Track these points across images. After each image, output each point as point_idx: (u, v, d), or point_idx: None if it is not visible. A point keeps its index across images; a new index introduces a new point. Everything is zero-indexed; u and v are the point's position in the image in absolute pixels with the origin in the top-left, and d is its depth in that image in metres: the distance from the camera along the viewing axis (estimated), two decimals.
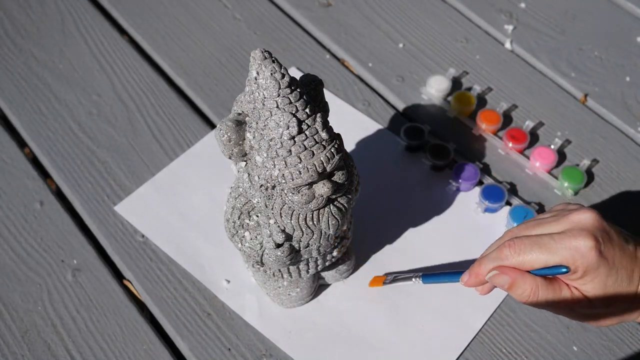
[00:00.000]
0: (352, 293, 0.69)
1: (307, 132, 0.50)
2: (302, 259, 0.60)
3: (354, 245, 0.69)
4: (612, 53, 0.91)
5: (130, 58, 0.89)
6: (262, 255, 0.58)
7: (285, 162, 0.50)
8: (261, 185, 0.53)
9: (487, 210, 0.75)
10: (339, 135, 0.53)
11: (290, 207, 0.53)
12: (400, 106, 0.85)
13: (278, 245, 0.56)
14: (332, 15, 0.95)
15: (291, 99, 0.49)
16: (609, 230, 0.51)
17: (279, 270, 0.62)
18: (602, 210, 0.75)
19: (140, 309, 0.69)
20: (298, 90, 0.49)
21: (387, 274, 0.69)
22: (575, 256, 0.49)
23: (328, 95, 0.80)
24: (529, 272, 0.51)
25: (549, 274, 0.51)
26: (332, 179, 0.53)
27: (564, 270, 0.50)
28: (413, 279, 0.63)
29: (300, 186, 0.51)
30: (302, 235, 0.55)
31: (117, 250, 0.72)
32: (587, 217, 0.51)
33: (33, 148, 0.81)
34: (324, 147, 0.51)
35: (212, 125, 0.83)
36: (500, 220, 0.74)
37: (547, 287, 0.51)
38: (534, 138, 0.82)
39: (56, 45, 0.91)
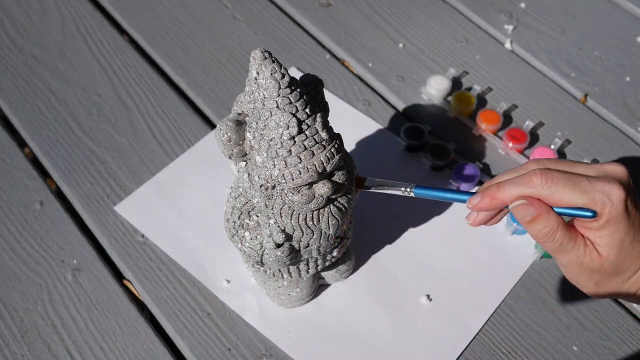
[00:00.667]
0: (352, 293, 0.69)
1: (307, 132, 0.50)
2: (302, 259, 0.60)
3: (354, 245, 0.69)
4: (612, 53, 0.91)
5: (130, 58, 0.89)
6: (262, 255, 0.58)
7: (285, 162, 0.50)
8: (261, 185, 0.53)
9: None
10: (339, 135, 0.53)
11: (290, 207, 0.53)
12: (400, 106, 0.85)
13: (278, 245, 0.56)
14: (332, 15, 0.95)
15: (291, 99, 0.49)
16: (634, 190, 0.49)
17: (279, 270, 0.62)
18: None
19: (140, 309, 0.69)
20: (298, 90, 0.49)
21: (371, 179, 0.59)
22: (605, 202, 0.47)
23: (328, 95, 0.80)
24: (553, 209, 0.48)
25: (573, 215, 0.48)
26: (332, 179, 0.53)
27: (590, 214, 0.47)
28: (403, 189, 0.56)
29: (300, 186, 0.51)
30: (302, 235, 0.55)
31: (117, 250, 0.72)
32: (621, 171, 0.49)
33: (33, 148, 0.81)
34: (324, 147, 0.51)
35: (212, 125, 0.83)
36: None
37: (565, 230, 0.48)
38: (534, 138, 0.82)
39: (56, 45, 0.91)
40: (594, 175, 0.49)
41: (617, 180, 0.48)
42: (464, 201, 0.52)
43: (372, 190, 0.58)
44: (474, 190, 0.76)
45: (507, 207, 0.50)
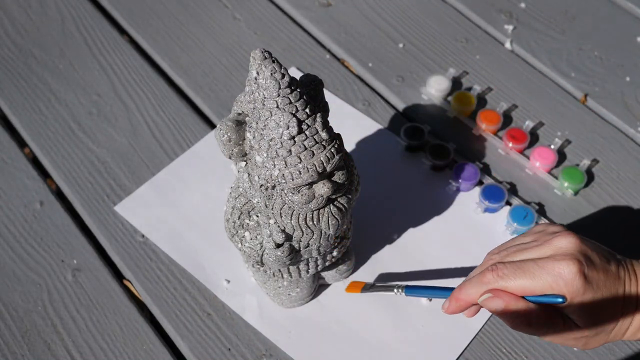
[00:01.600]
0: (352, 293, 0.69)
1: (307, 132, 0.50)
2: (302, 259, 0.60)
3: (354, 245, 0.69)
4: (612, 53, 0.91)
5: (130, 58, 0.89)
6: (262, 255, 0.58)
7: (285, 162, 0.50)
8: (261, 185, 0.53)
9: (487, 210, 0.75)
10: (339, 135, 0.53)
11: (290, 207, 0.53)
12: (400, 106, 0.85)
13: (278, 245, 0.56)
14: (332, 15, 0.95)
15: (291, 99, 0.49)
16: (590, 254, 0.50)
17: (279, 270, 0.62)
18: (602, 210, 0.76)
19: (140, 309, 0.69)
20: (298, 90, 0.49)
21: (368, 283, 0.67)
22: (559, 283, 0.48)
23: (328, 95, 0.80)
24: (523, 297, 0.50)
25: (544, 302, 0.49)
26: (332, 179, 0.53)
27: (560, 300, 0.48)
28: (395, 290, 0.61)
29: (300, 186, 0.51)
30: (302, 235, 0.55)
31: (117, 250, 0.72)
32: (569, 242, 0.50)
33: (33, 148, 0.81)
34: (324, 147, 0.51)
35: (212, 125, 0.83)
36: (500, 220, 0.74)
37: (540, 313, 0.50)
38: (534, 138, 0.82)
39: (56, 45, 0.91)
40: (544, 256, 0.50)
41: (567, 256, 0.49)
42: (444, 297, 0.55)
43: (366, 292, 0.65)
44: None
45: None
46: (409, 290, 0.60)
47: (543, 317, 0.49)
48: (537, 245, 0.51)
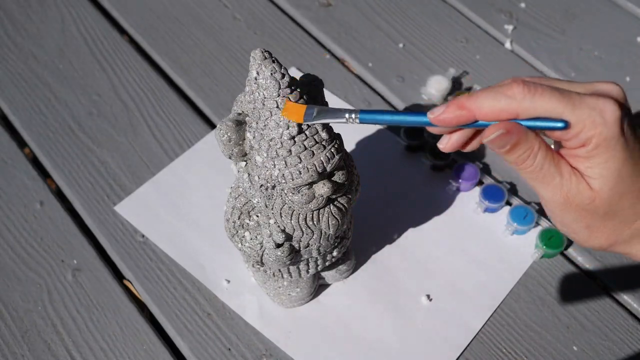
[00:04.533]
0: (352, 293, 0.69)
1: (307, 132, 0.50)
2: (302, 259, 0.60)
3: (354, 245, 0.69)
4: (612, 53, 0.91)
5: (130, 58, 0.89)
6: (262, 255, 0.58)
7: (285, 162, 0.50)
8: (261, 185, 0.53)
9: (487, 210, 0.75)
10: (339, 135, 0.53)
11: (290, 207, 0.53)
12: (400, 106, 0.85)
13: (278, 245, 0.56)
14: (332, 15, 0.95)
15: (291, 98, 0.49)
16: (631, 114, 0.41)
17: (279, 270, 0.62)
18: None
19: (140, 309, 0.69)
20: (298, 90, 0.49)
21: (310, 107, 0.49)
22: (596, 120, 0.39)
23: (328, 95, 0.80)
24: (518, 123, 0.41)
25: (540, 127, 0.41)
26: (332, 179, 0.53)
27: (560, 124, 0.39)
28: (347, 116, 0.46)
29: (300, 186, 0.51)
30: (302, 235, 0.55)
31: (117, 250, 0.72)
32: (617, 90, 0.41)
33: (33, 148, 0.81)
34: (324, 147, 0.51)
35: (212, 125, 0.83)
36: (500, 220, 0.74)
37: (547, 152, 0.41)
38: None
39: (56, 45, 0.91)
40: (584, 92, 0.41)
41: (611, 98, 0.40)
42: (421, 123, 0.42)
43: (314, 122, 0.48)
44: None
45: (478, 124, 0.41)
46: (365, 114, 0.45)
47: (551, 156, 0.42)
48: (578, 83, 0.43)
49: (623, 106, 0.40)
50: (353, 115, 0.46)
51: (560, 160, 0.42)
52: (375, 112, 0.45)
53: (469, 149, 0.45)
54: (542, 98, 0.39)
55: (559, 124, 0.39)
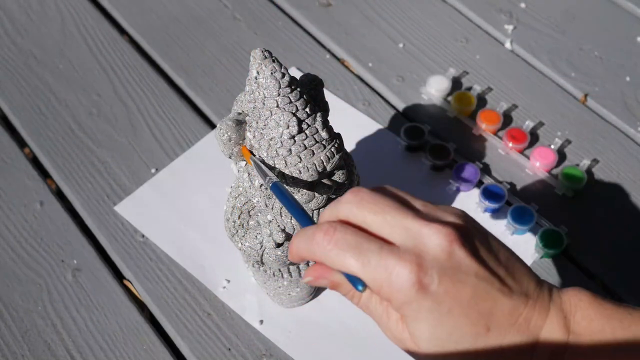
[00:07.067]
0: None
1: (307, 132, 0.50)
2: None
3: None
4: (612, 53, 0.91)
5: (130, 58, 0.89)
6: (262, 255, 0.58)
7: (286, 161, 0.50)
8: (261, 185, 0.53)
9: (487, 210, 0.75)
10: (339, 134, 0.53)
11: None
12: (400, 106, 0.85)
13: (278, 245, 0.56)
14: (332, 15, 0.95)
15: (291, 98, 0.49)
16: (466, 260, 0.37)
17: (279, 270, 0.62)
18: (602, 210, 0.76)
19: (140, 309, 0.69)
20: (298, 89, 0.49)
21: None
22: (390, 283, 0.36)
23: (328, 95, 0.80)
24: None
25: (350, 282, 0.39)
26: (332, 178, 0.53)
27: (359, 287, 0.37)
28: (267, 179, 0.48)
29: (300, 185, 0.51)
30: None
31: (117, 250, 0.72)
32: (436, 239, 0.37)
33: (33, 148, 0.81)
34: (324, 147, 0.51)
35: (212, 125, 0.83)
36: (500, 220, 0.74)
37: (371, 295, 0.40)
38: (534, 138, 0.82)
39: (56, 45, 0.91)
40: (402, 242, 0.37)
41: (416, 254, 0.36)
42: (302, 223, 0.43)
43: (253, 164, 0.51)
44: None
45: None
46: (277, 187, 0.46)
47: (375, 301, 0.40)
48: (413, 219, 0.38)
49: (426, 264, 0.36)
50: (267, 181, 0.47)
51: (389, 306, 0.39)
52: (283, 194, 0.45)
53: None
54: (338, 253, 0.37)
55: (358, 287, 0.37)
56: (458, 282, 0.37)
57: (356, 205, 0.39)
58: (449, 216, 0.39)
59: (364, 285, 0.37)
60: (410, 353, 0.39)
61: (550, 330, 0.38)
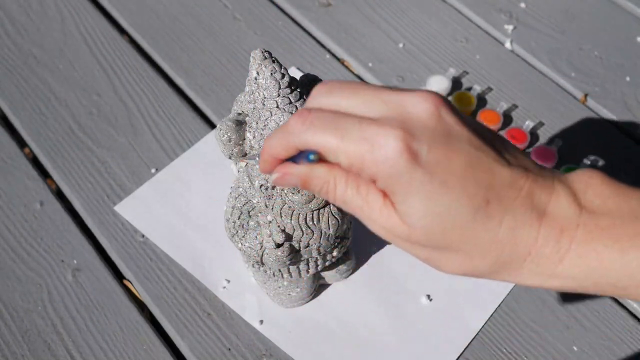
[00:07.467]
0: (352, 293, 0.69)
1: None
2: (302, 259, 0.60)
3: (354, 245, 0.69)
4: (612, 53, 0.91)
5: (130, 58, 0.89)
6: (262, 255, 0.58)
7: None
8: (261, 185, 0.53)
9: None
10: None
11: (290, 207, 0.53)
12: None
13: (278, 245, 0.56)
14: (332, 15, 0.95)
15: (291, 99, 0.49)
16: (456, 126, 0.34)
17: (279, 270, 0.62)
18: None
19: (140, 309, 0.69)
20: (298, 90, 0.49)
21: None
22: (364, 155, 0.33)
23: None
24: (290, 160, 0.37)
25: (300, 161, 0.37)
26: None
27: (311, 156, 0.35)
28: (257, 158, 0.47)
29: None
30: (302, 235, 0.55)
31: (117, 250, 0.72)
32: (422, 105, 0.34)
33: (33, 148, 0.81)
34: None
35: (212, 125, 0.83)
36: None
37: (347, 186, 0.36)
38: (534, 138, 0.82)
39: (56, 45, 0.91)
40: (381, 115, 0.34)
41: (402, 122, 0.33)
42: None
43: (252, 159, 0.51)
44: None
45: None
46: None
47: (353, 185, 0.36)
48: (389, 95, 0.35)
49: (416, 132, 0.33)
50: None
51: (370, 192, 0.36)
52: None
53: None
54: (315, 131, 0.35)
55: (309, 155, 0.35)
56: (450, 150, 0.33)
57: (325, 95, 0.36)
58: (422, 91, 0.35)
59: (315, 154, 0.35)
60: (401, 242, 0.36)
61: (558, 206, 0.34)
